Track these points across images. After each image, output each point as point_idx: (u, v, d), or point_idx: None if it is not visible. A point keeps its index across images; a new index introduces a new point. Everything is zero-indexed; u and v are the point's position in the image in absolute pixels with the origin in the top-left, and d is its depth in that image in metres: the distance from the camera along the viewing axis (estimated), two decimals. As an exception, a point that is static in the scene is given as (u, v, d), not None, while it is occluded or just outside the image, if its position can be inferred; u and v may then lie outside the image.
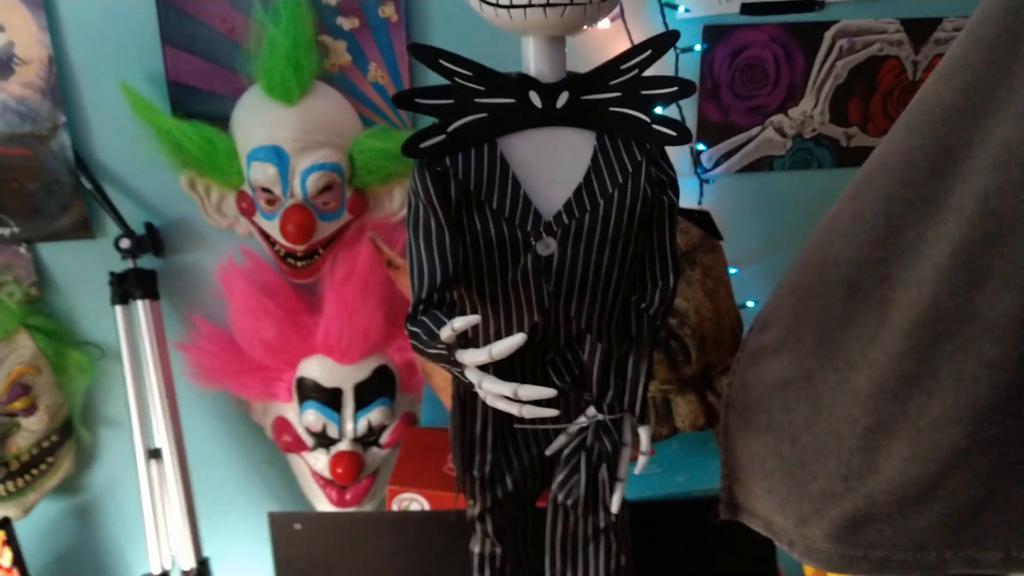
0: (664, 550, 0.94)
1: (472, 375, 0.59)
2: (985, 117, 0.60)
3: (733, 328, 1.07)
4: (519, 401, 0.57)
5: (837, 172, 1.39)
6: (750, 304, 1.34)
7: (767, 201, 1.40)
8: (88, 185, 1.26)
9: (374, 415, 1.37)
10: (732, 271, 1.15)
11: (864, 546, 0.71)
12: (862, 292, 0.69)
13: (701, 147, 1.34)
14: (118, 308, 1.28)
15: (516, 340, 0.55)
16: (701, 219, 1.06)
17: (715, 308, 1.02)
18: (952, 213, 0.62)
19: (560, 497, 0.77)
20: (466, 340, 0.71)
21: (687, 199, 1.35)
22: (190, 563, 1.30)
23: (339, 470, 1.35)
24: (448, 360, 0.60)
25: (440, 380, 1.18)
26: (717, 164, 1.36)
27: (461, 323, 0.56)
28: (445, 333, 0.57)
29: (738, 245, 1.38)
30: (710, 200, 1.36)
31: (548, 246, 0.66)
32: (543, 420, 0.78)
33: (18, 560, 1.33)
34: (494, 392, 0.57)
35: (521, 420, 0.77)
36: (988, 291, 0.61)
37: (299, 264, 1.30)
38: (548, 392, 0.56)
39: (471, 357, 0.57)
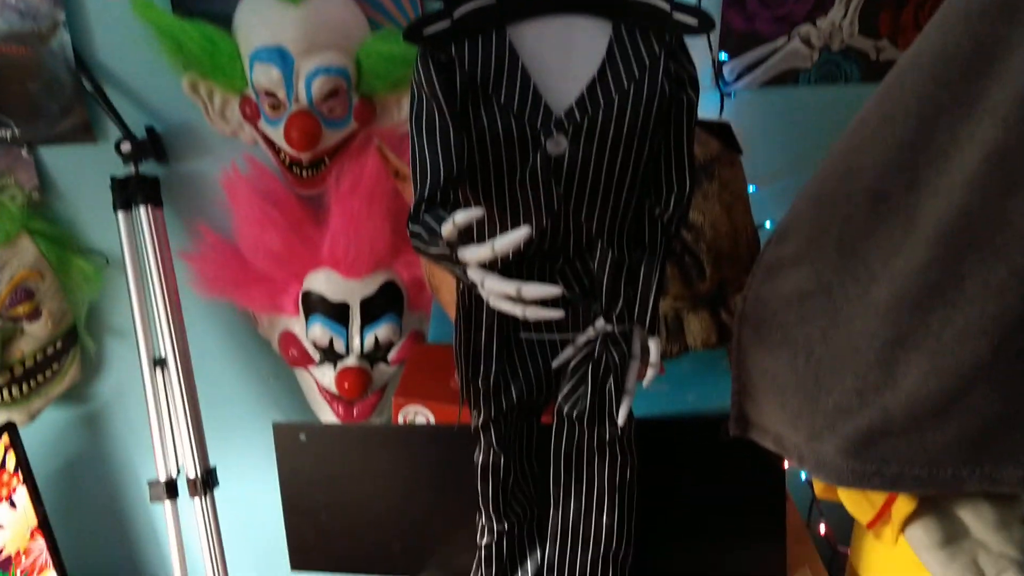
0: (672, 468, 0.93)
1: (475, 274, 0.56)
2: None
3: (750, 245, 1.04)
4: (523, 301, 0.55)
5: (865, 87, 1.33)
6: (768, 224, 1.31)
7: (790, 117, 1.35)
8: (88, 86, 1.23)
9: (381, 331, 1.35)
10: (750, 189, 1.12)
11: (877, 461, 0.70)
12: (888, 200, 0.66)
13: (723, 57, 1.29)
14: (120, 214, 1.26)
15: (520, 233, 0.52)
16: (721, 131, 1.02)
17: (732, 223, 0.99)
18: (987, 115, 0.59)
19: (566, 409, 0.75)
20: (470, 241, 0.68)
21: (708, 113, 1.30)
22: (197, 470, 1.31)
23: (346, 385, 1.35)
24: (450, 259, 0.57)
25: (448, 295, 1.16)
26: (739, 77, 1.31)
27: (463, 217, 0.53)
28: (447, 229, 0.55)
29: (758, 163, 1.33)
30: (731, 115, 1.31)
31: (559, 144, 0.63)
32: (550, 330, 0.76)
33: (23, 464, 1.34)
34: (497, 291, 0.55)
35: (527, 328, 0.75)
36: (1021, 198, 0.58)
37: (304, 173, 1.27)
38: (554, 291, 0.53)
39: (474, 253, 0.55)
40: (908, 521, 0.83)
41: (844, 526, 1.10)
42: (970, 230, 0.61)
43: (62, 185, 1.34)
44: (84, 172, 1.32)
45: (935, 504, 0.83)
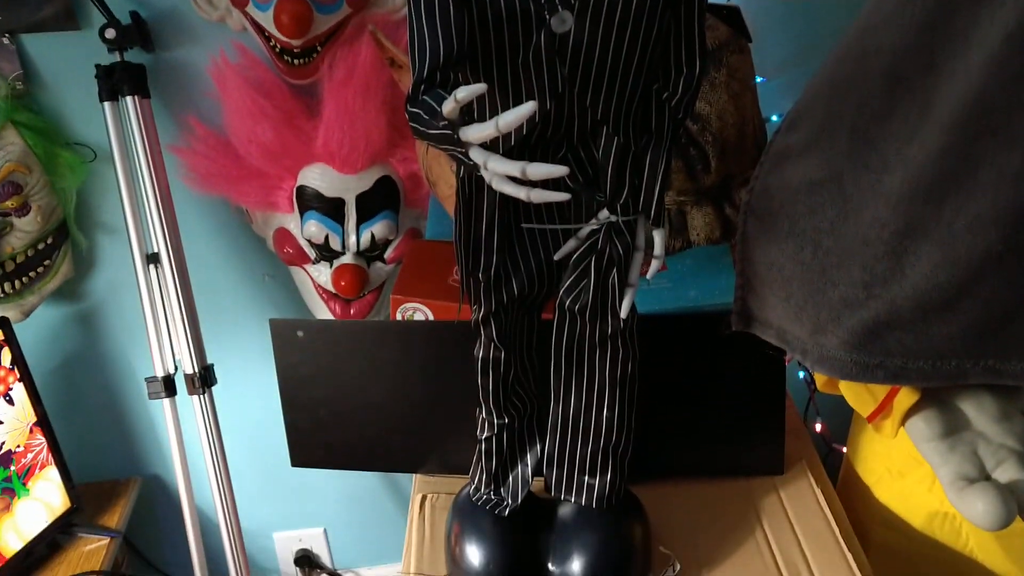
0: (672, 364, 0.92)
1: (477, 155, 0.54)
2: None
3: (756, 138, 1.01)
4: (528, 184, 0.53)
5: (879, -24, 1.28)
6: (775, 118, 1.28)
7: (801, 3, 1.31)
8: (69, -31, 1.18)
9: (377, 228, 1.33)
10: (759, 80, 1.08)
11: (881, 354, 0.69)
12: (904, 84, 0.63)
13: (733, -59, 1.23)
14: (107, 105, 1.23)
15: (526, 109, 0.49)
16: (730, 16, 0.98)
17: (739, 114, 0.96)
18: None
19: (568, 302, 0.74)
20: (471, 121, 0.66)
21: (714, 1, 1.26)
22: (194, 367, 1.31)
23: (343, 282, 1.34)
24: (451, 141, 0.55)
25: (446, 189, 1.13)
26: (749, -39, 1.26)
27: (465, 92, 0.51)
28: (448, 106, 0.52)
29: (767, 53, 1.29)
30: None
31: (564, 22, 0.59)
32: (552, 220, 0.74)
33: (18, 360, 1.34)
34: (501, 171, 0.53)
35: (529, 218, 0.73)
36: None
37: (296, 62, 1.23)
38: (560, 169, 0.51)
39: (477, 132, 0.52)
40: (909, 414, 0.83)
41: (840, 424, 1.11)
42: (987, 115, 0.58)
43: (46, 75, 1.30)
44: (69, 61, 1.28)
45: (937, 397, 0.83)
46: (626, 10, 0.60)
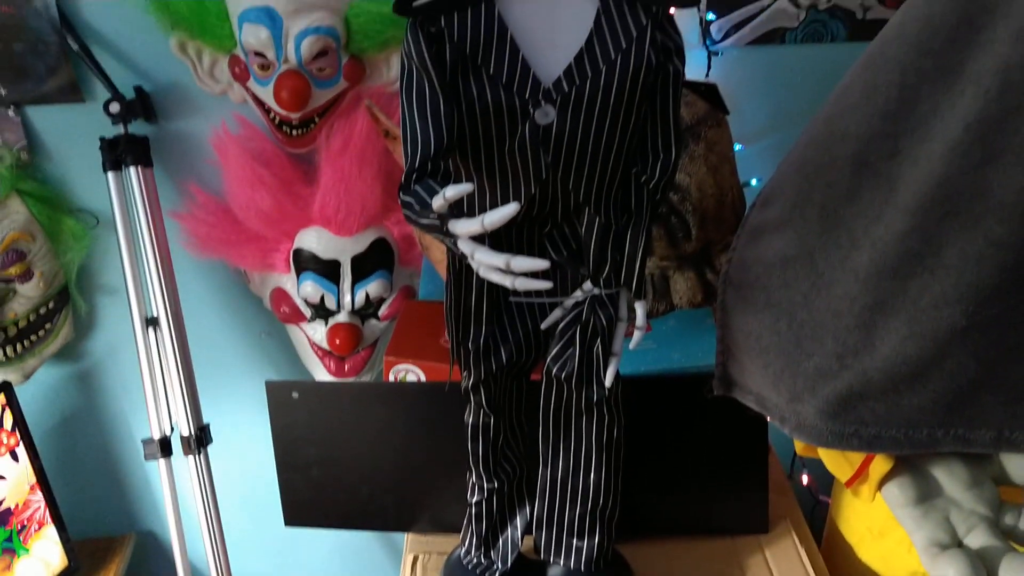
0: (658, 425, 0.95)
1: (465, 246, 0.57)
2: None
3: (735, 205, 1.05)
4: (512, 273, 0.56)
5: (851, 46, 1.33)
6: (754, 182, 1.32)
7: (777, 76, 1.36)
8: (74, 46, 1.22)
9: (372, 287, 1.36)
10: (737, 147, 1.12)
11: (855, 423, 0.72)
12: (870, 168, 0.67)
13: (711, 16, 1.29)
14: (110, 175, 1.26)
15: (509, 210, 0.53)
16: (707, 92, 1.03)
17: (718, 184, 1.00)
18: (970, 85, 0.60)
19: (554, 370, 0.76)
20: (459, 211, 0.69)
21: (695, 71, 1.31)
22: (190, 428, 1.33)
23: (337, 341, 1.36)
24: (441, 231, 0.59)
25: (438, 253, 1.17)
26: (727, 36, 1.31)
27: (453, 192, 0.54)
28: (437, 202, 0.56)
29: (745, 121, 1.34)
30: (718, 73, 1.32)
31: (547, 114, 0.63)
32: (538, 293, 0.77)
33: (19, 423, 1.36)
34: (487, 263, 0.56)
35: (516, 293, 0.77)
36: (1001, 168, 0.59)
37: (294, 132, 1.27)
38: (541, 264, 0.54)
39: (464, 227, 0.56)
40: (885, 479, 0.85)
41: (826, 477, 1.13)
42: (949, 199, 0.62)
43: (51, 145, 1.33)
44: (73, 132, 1.31)
45: (911, 463, 0.86)
46: (605, 102, 0.64)
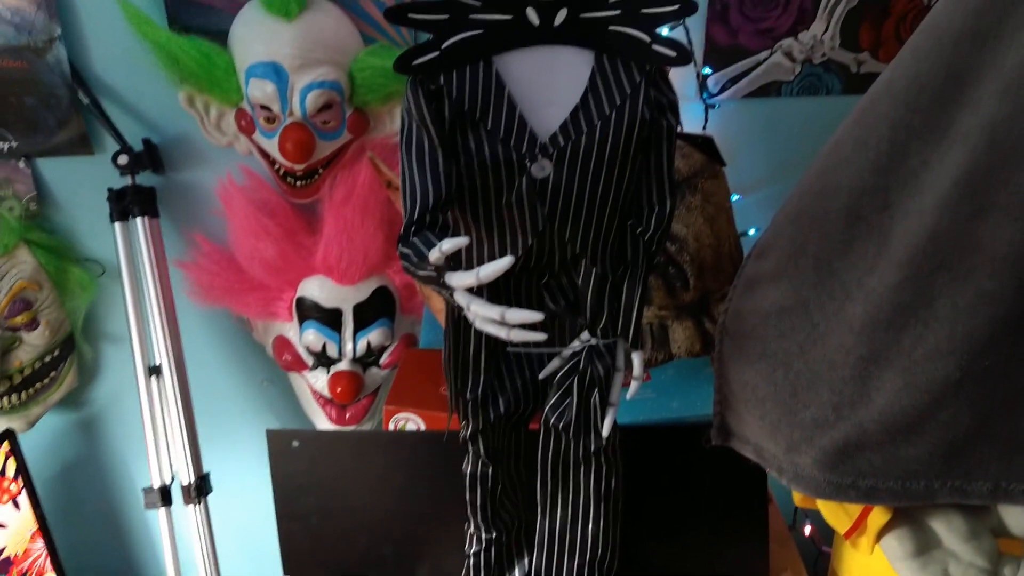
0: (657, 474, 0.95)
1: (461, 298, 0.58)
2: (997, 41, 0.59)
3: (732, 256, 1.06)
4: (508, 325, 0.57)
5: (846, 99, 1.36)
6: (752, 232, 1.33)
7: (773, 128, 1.38)
8: (85, 100, 1.25)
9: (373, 336, 1.37)
10: (735, 198, 1.14)
11: (853, 474, 0.72)
12: (862, 221, 0.68)
13: (707, 71, 1.31)
14: (117, 225, 1.28)
15: (503, 263, 0.54)
16: (704, 144, 1.04)
17: (715, 235, 1.01)
18: (957, 141, 0.61)
19: (552, 420, 0.77)
20: (457, 262, 0.70)
21: (692, 124, 1.33)
22: (190, 477, 1.33)
23: (338, 389, 1.36)
24: (437, 282, 0.60)
25: (439, 302, 1.18)
26: (723, 89, 1.33)
27: (449, 245, 0.56)
28: (434, 255, 0.57)
29: (742, 172, 1.36)
30: (715, 126, 1.34)
31: (543, 168, 0.65)
32: (536, 344, 0.78)
33: (22, 470, 1.36)
34: (482, 315, 0.57)
35: (514, 344, 0.77)
36: (990, 222, 0.60)
37: (299, 183, 1.29)
38: (536, 316, 0.55)
39: (459, 280, 0.57)
40: (883, 531, 0.85)
41: (829, 527, 1.13)
42: (940, 252, 0.63)
43: (59, 196, 1.36)
44: (81, 183, 1.33)
45: (909, 515, 0.85)
46: (600, 157, 0.65)
